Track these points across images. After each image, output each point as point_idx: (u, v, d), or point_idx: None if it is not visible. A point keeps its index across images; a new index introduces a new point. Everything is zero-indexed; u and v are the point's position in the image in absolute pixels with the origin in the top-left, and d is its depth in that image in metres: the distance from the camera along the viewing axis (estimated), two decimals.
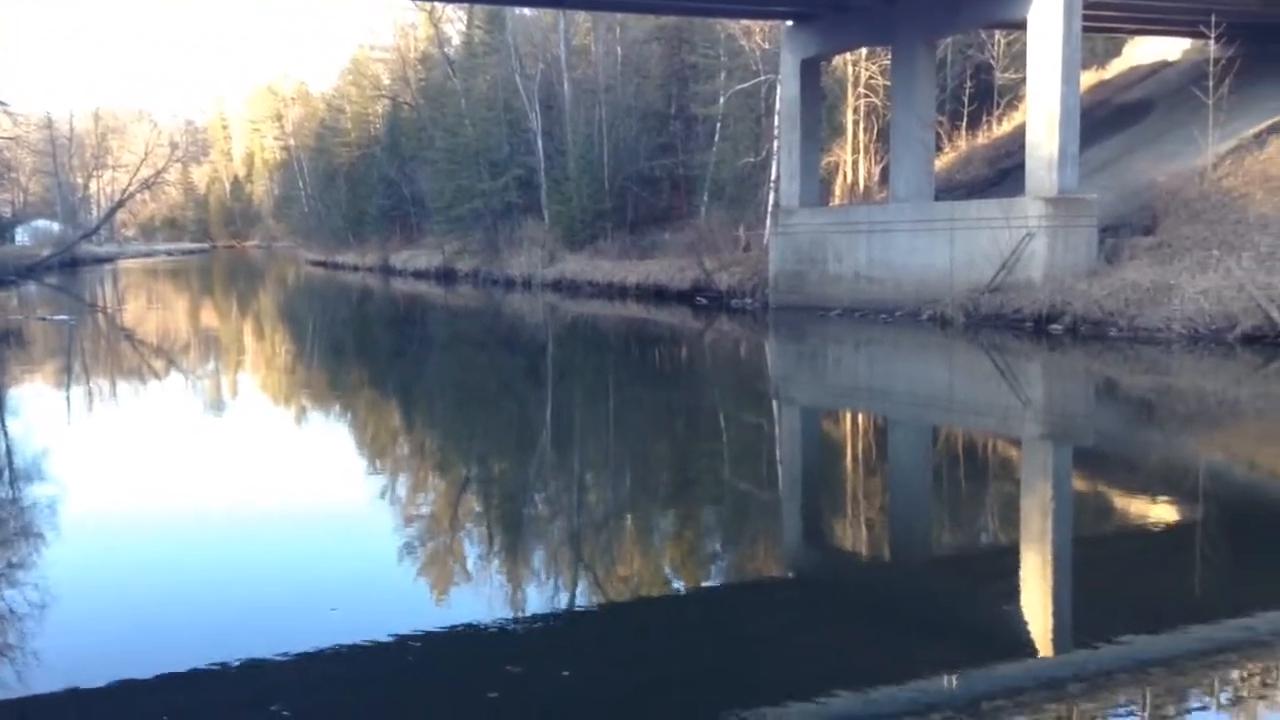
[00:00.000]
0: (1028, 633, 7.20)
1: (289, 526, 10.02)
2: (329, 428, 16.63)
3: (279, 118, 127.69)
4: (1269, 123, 28.06)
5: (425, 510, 11.10)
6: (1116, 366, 20.16)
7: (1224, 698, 5.94)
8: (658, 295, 39.57)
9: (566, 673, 6.30)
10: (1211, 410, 16.25)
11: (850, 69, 39.27)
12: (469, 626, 7.18)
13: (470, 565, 8.95)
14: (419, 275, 63.21)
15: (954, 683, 6.14)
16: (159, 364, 24.96)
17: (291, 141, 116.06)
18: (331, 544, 9.38)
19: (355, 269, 76.72)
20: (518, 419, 17.11)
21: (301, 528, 9.97)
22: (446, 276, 59.53)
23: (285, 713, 5.79)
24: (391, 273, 68.86)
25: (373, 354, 28.60)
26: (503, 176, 54.40)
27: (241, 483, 11.72)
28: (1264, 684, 6.18)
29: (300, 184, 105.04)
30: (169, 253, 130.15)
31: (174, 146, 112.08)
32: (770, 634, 7.14)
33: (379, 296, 53.77)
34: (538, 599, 8.06)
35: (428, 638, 6.93)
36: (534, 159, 52.90)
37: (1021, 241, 25.62)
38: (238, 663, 6.47)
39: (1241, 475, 12.29)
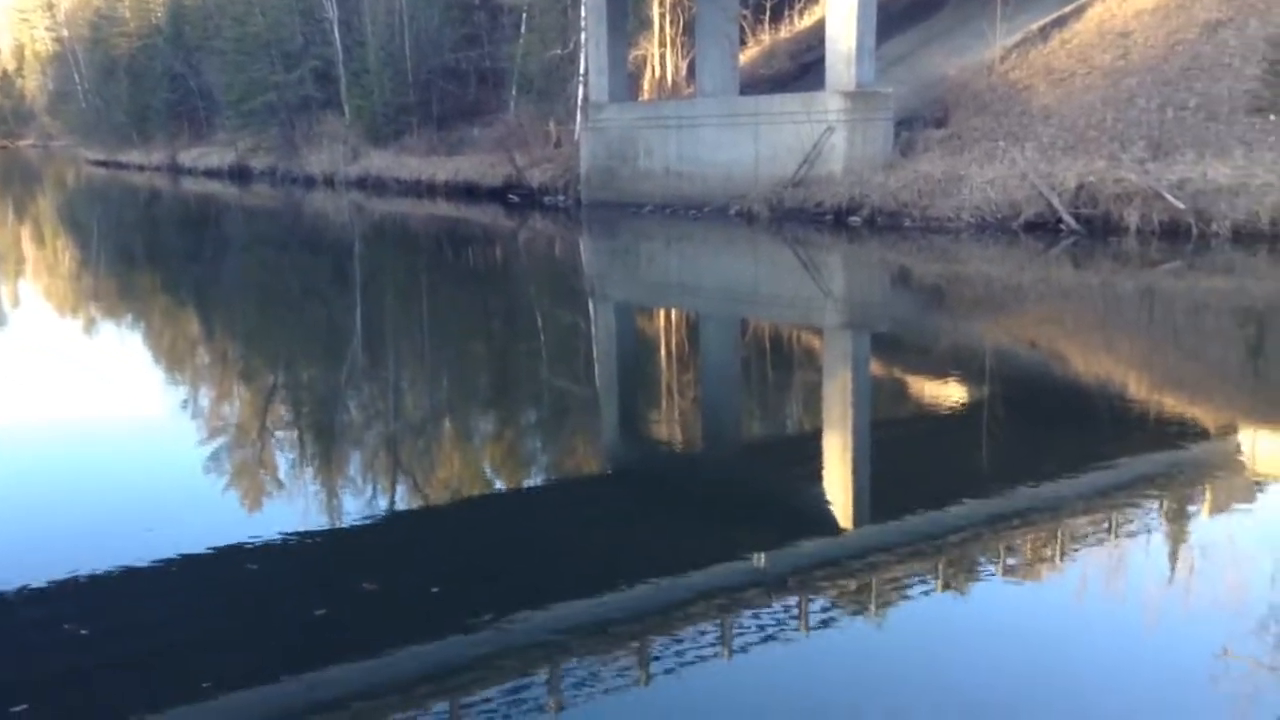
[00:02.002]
0: (832, 510, 7.62)
1: (89, 446, 9.53)
2: (123, 340, 15.79)
3: (50, 6, 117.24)
4: (1052, 16, 29.39)
5: (232, 422, 10.74)
6: (910, 256, 21.11)
7: (1010, 561, 6.47)
8: (468, 193, 38.88)
9: (384, 580, 6.31)
10: (997, 295, 17.28)
11: None
12: (284, 538, 7.07)
13: (283, 475, 8.76)
14: (211, 174, 60.03)
15: (764, 561, 6.47)
16: None
17: (65, 32, 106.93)
18: (138, 462, 9.01)
19: (141, 169, 72.16)
20: (326, 324, 16.67)
21: (102, 447, 9.51)
22: (241, 175, 56.77)
23: (84, 631, 5.61)
24: (181, 172, 65.12)
25: (165, 259, 27.13)
26: (297, 69, 51.86)
27: (33, 402, 11.06)
28: (1045, 547, 6.76)
29: (77, 78, 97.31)
30: None
31: None
32: (589, 527, 7.33)
33: (168, 197, 50.84)
34: (354, 507, 7.97)
35: (242, 552, 6.79)
36: (331, 50, 50.54)
37: (822, 136, 26.27)
38: (43, 585, 6.20)
39: (1024, 355, 13.18)
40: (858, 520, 7.43)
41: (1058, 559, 6.52)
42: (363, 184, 45.55)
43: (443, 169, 41.21)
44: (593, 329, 15.80)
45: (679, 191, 30.47)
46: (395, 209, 38.10)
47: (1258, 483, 8.02)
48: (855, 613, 5.81)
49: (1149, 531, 7.01)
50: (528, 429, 10.48)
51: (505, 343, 14.93)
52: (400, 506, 8.04)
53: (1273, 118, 22.69)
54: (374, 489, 8.47)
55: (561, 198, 34.87)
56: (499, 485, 8.72)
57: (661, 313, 17.62)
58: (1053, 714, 4.54)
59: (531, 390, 11.97)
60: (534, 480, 8.96)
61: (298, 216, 37.83)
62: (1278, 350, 12.85)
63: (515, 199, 36.12)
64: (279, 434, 10.12)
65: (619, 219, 30.54)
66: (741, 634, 5.44)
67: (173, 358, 14.21)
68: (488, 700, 4.81)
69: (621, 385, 12.26)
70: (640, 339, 15.57)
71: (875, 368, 12.71)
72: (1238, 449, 8.94)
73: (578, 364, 13.39)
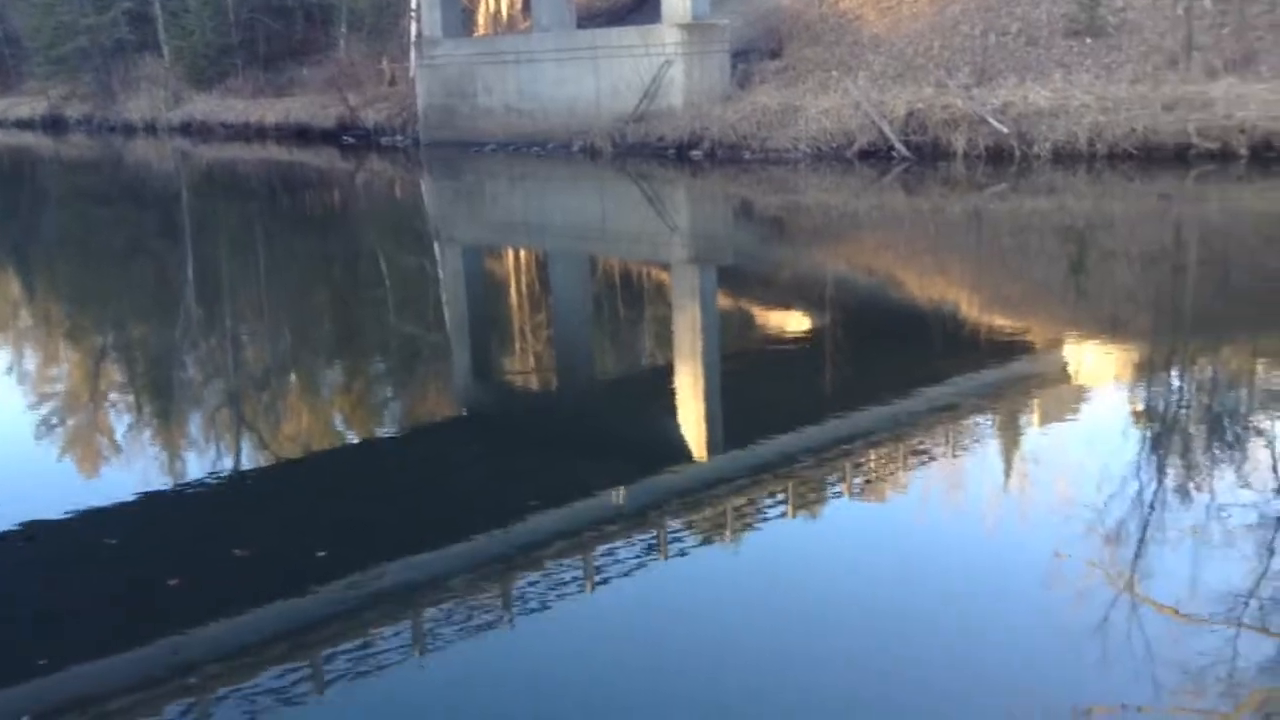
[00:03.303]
0: (687, 442, 7.76)
1: None
2: None
3: None
4: None
5: (62, 387, 10.23)
6: (751, 188, 21.42)
7: (856, 481, 6.73)
8: (301, 135, 37.53)
9: (238, 540, 6.16)
10: (834, 224, 17.72)
11: None
12: (127, 505, 6.81)
13: (120, 439, 8.41)
14: (22, 125, 56.24)
15: (622, 496, 6.57)
16: None
17: None
18: None
19: None
20: (156, 279, 15.96)
21: None
22: (55, 125, 53.41)
23: None
24: None
25: None
26: (110, 10, 48.81)
27: None
28: (889, 464, 7.05)
29: None
30: None
31: None
32: (446, 473, 7.29)
33: None
34: (198, 467, 7.71)
35: (83, 521, 6.51)
36: None
37: (660, 69, 26.27)
38: None
39: (863, 282, 13.59)
40: (711, 450, 7.59)
41: (901, 475, 6.81)
42: (187, 130, 43.45)
43: (272, 111, 39.62)
44: (439, 272, 15.56)
45: (521, 128, 30.08)
46: (223, 155, 36.53)
47: (1083, 392, 8.51)
48: (712, 540, 5.96)
49: (985, 444, 7.38)
50: (377, 378, 10.30)
51: (348, 290, 14.58)
52: (248, 465, 7.81)
53: (1089, 41, 23.73)
54: (219, 449, 8.21)
55: (399, 138, 34.01)
56: (351, 437, 8.57)
57: (509, 253, 17.47)
58: (902, 622, 4.78)
59: (379, 338, 11.75)
60: (387, 429, 8.83)
61: (119, 167, 35.90)
62: (1098, 266, 13.59)
63: (351, 140, 35.07)
64: (114, 396, 9.70)
65: (461, 158, 30.00)
66: (603, 568, 5.53)
67: None
68: (350, 652, 4.77)
69: (472, 328, 12.14)
70: (489, 281, 15.43)
71: (723, 300, 12.91)
72: (1064, 362, 9.46)
73: (426, 309, 13.19)
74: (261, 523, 6.49)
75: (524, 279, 15.28)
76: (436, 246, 17.86)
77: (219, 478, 7.37)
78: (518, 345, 11.50)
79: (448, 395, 9.72)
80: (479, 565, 5.65)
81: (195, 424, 8.87)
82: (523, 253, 17.23)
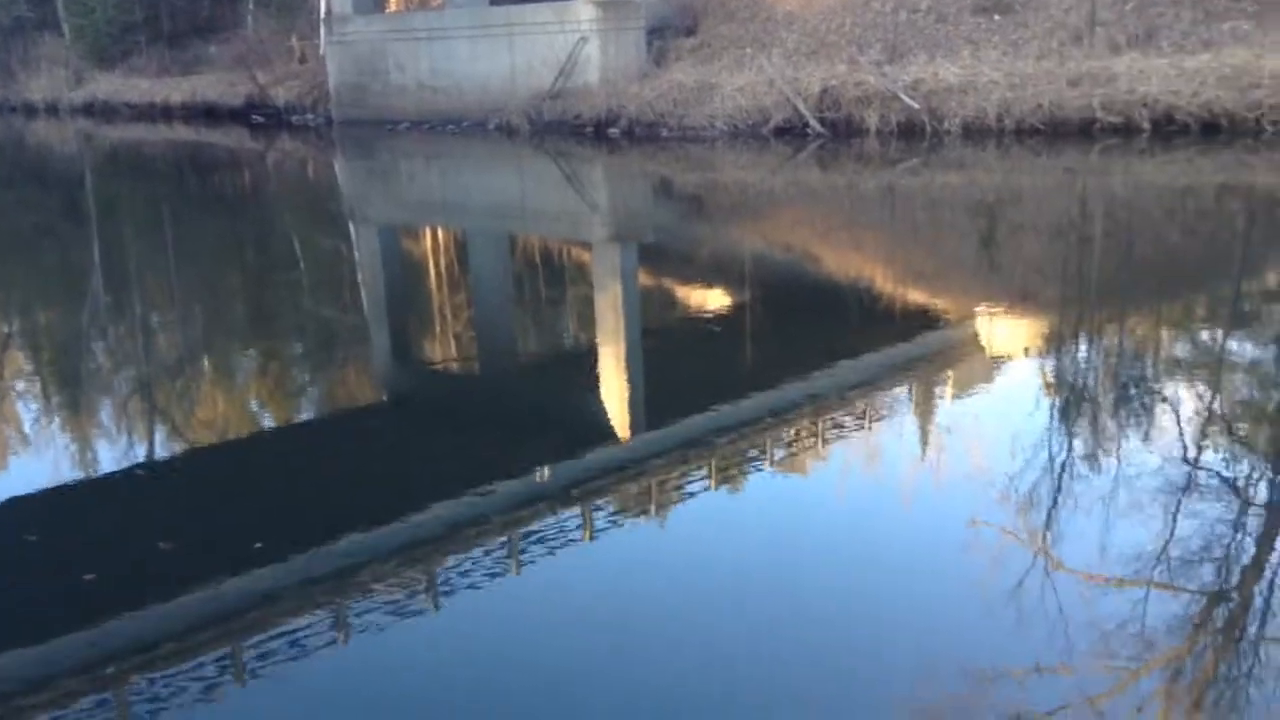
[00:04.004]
0: (610, 421, 7.78)
1: None
2: None
3: None
4: None
5: None
6: (669, 165, 21.46)
7: (777, 454, 6.81)
8: (208, 115, 36.61)
9: (157, 531, 6.04)
10: (752, 201, 17.84)
11: None
12: (37, 498, 6.62)
13: (28, 429, 8.17)
14: None
15: (546, 475, 6.57)
16: None
17: None
18: None
19: None
20: (61, 263, 15.48)
21: None
22: None
23: None
24: None
25: None
26: None
27: None
28: (809, 438, 7.15)
29: None
30: None
31: None
32: (367, 457, 7.21)
33: None
34: (112, 458, 7.52)
35: None
36: None
37: (576, 46, 26.13)
38: None
39: (780, 258, 13.72)
40: (635, 428, 7.62)
41: (820, 448, 6.91)
42: (90, 110, 42.10)
43: (178, 90, 38.56)
44: (355, 253, 15.33)
45: (435, 106, 29.71)
46: (129, 135, 35.49)
47: (995, 363, 8.72)
48: (637, 517, 6.00)
49: (901, 415, 7.53)
50: (294, 362, 10.14)
51: (262, 273, 14.30)
52: (164, 454, 7.64)
53: (996, 18, 24.15)
54: (132, 438, 8.01)
55: (311, 117, 33.36)
56: (269, 423, 8.43)
57: (427, 233, 17.28)
58: (822, 591, 4.86)
59: (295, 321, 11.56)
60: (306, 415, 8.70)
61: (19, 149, 34.69)
62: (1008, 240, 13.89)
63: (260, 119, 34.30)
64: (21, 386, 9.40)
65: (374, 137, 29.54)
66: (528, 549, 5.53)
67: None
68: (272, 640, 4.71)
69: (390, 310, 12.00)
70: (407, 261, 15.25)
71: (644, 278, 12.94)
72: (975, 333, 9.67)
73: (342, 291, 13.00)
74: (178, 512, 6.36)
75: (443, 259, 15.13)
76: (352, 227, 17.59)
77: (134, 468, 7.20)
78: (438, 326, 11.40)
79: (367, 378, 9.60)
80: (402, 550, 5.61)
81: (108, 413, 8.65)
82: (440, 232, 17.05)
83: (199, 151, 30.88)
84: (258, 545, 5.59)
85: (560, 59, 26.40)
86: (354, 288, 13.12)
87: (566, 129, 25.82)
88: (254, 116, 34.56)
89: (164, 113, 38.56)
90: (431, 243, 16.45)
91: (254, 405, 8.84)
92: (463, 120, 28.65)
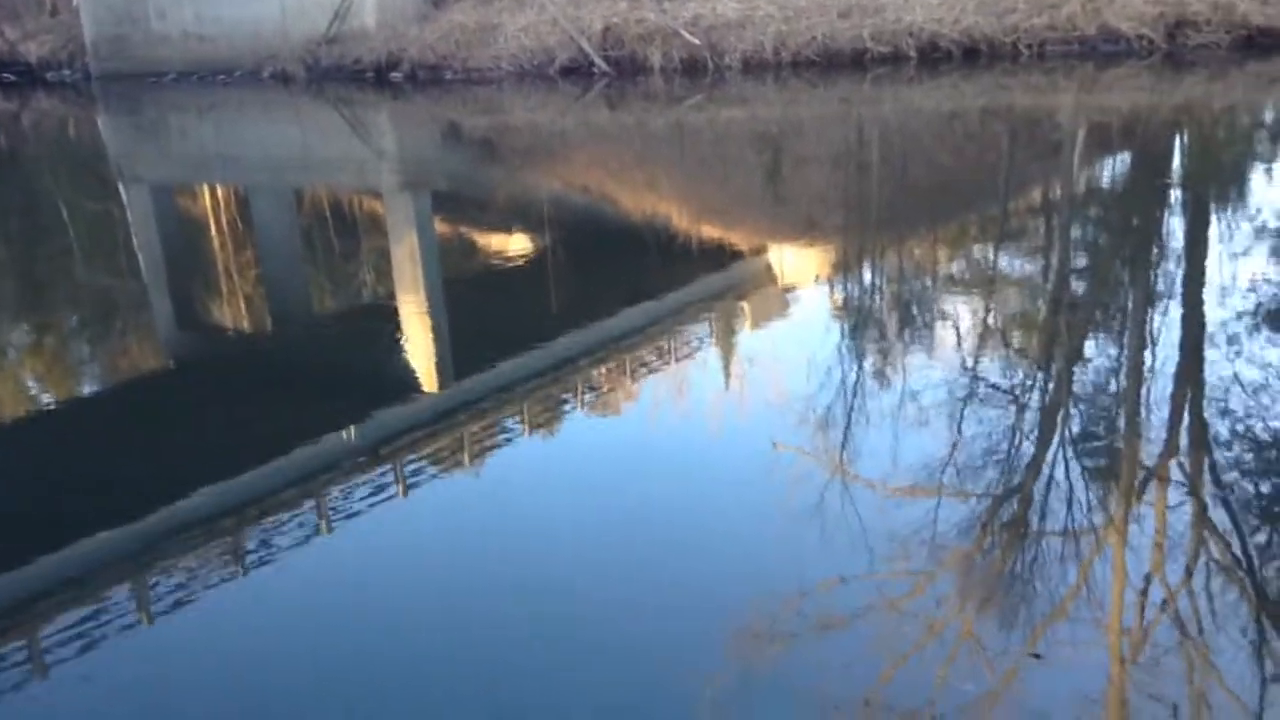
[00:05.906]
0: (415, 374, 7.68)
1: None
2: None
3: None
4: None
5: None
6: (456, 109, 21.08)
7: (587, 397, 6.89)
8: None
9: None
10: (544, 143, 17.75)
11: None
12: None
13: None
14: None
15: (352, 434, 6.44)
16: None
17: None
18: None
19: None
20: None
21: None
22: None
23: None
24: None
25: None
26: None
27: None
28: (617, 378, 7.25)
29: None
30: None
31: None
32: (158, 430, 6.89)
33: None
34: None
35: None
36: None
37: None
38: None
39: (577, 200, 13.74)
40: (442, 381, 7.54)
41: (629, 386, 7.03)
42: None
43: None
44: (129, 216, 14.46)
45: (203, 56, 28.12)
46: None
47: (788, 293, 9.03)
48: (450, 470, 5.97)
49: (703, 349, 7.73)
50: (71, 335, 9.53)
51: (27, 243, 13.32)
52: None
53: None
54: None
55: (67, 72, 31.04)
56: (48, 401, 7.93)
57: (204, 190, 16.45)
58: (637, 524, 4.98)
59: (68, 292, 10.85)
60: (88, 389, 8.22)
61: None
62: (792, 172, 14.32)
63: (11, 78, 31.65)
64: None
65: (139, 91, 27.77)
66: (340, 510, 5.43)
67: None
68: (71, 626, 4.48)
69: (171, 274, 11.41)
70: (185, 221, 14.49)
71: (440, 226, 12.73)
72: (769, 265, 9.98)
73: (117, 257, 12.26)
74: None
75: (224, 217, 14.45)
76: (122, 188, 16.56)
77: None
78: (224, 288, 10.92)
79: (151, 346, 9.13)
80: (204, 521, 5.42)
81: None
82: (219, 189, 16.26)
83: None
84: (49, 528, 5.28)
85: (334, 1, 25.39)
86: (130, 252, 12.40)
87: (346, 75, 24.96)
88: (3, 75, 31.88)
89: None
90: (210, 200, 15.68)
91: (30, 382, 8.28)
92: (234, 70, 27.26)
